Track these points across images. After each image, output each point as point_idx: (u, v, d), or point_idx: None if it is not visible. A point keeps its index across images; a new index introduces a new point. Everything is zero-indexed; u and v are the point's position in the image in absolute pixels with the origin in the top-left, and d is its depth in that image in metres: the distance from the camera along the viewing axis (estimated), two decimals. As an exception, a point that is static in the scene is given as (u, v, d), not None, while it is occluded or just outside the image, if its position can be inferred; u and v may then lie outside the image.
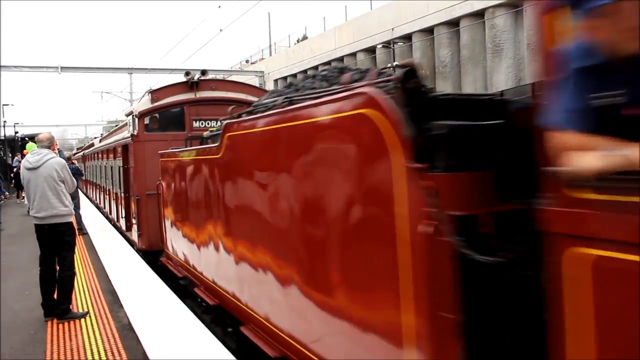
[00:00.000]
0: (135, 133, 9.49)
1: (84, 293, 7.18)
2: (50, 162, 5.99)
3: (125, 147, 10.86)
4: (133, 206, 10.19)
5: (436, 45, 28.16)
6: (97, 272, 8.56)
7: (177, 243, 7.34)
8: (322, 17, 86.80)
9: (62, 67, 30.87)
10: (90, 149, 23.69)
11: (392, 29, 29.58)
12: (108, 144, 15.13)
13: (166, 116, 9.75)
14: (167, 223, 7.87)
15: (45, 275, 6.07)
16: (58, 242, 6.05)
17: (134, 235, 10.22)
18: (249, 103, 9.35)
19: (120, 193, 11.88)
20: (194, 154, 6.21)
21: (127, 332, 5.50)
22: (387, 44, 30.73)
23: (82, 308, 6.41)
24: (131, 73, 36.05)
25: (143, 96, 10.54)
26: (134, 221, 10.25)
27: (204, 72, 9.80)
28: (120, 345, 5.13)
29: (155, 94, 9.64)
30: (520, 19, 19.31)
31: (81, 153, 28.59)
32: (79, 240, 10.46)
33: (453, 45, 26.64)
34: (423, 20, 28.07)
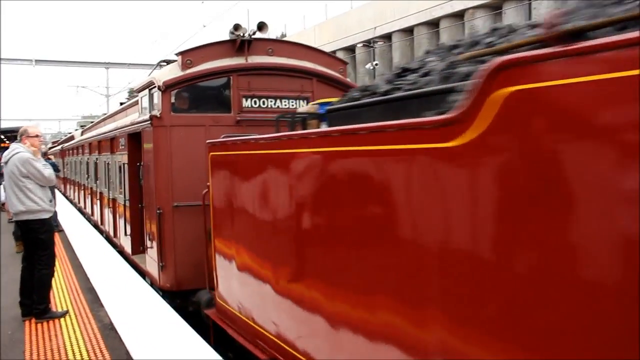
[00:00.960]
0: (158, 114, 6.39)
1: (62, 292, 7.02)
2: (13, 159, 5.81)
3: (134, 137, 7.91)
4: (149, 223, 7.05)
5: (415, 45, 28.35)
6: (75, 269, 8.39)
7: (258, 299, 4.27)
8: (302, 15, 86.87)
9: (36, 60, 30.26)
10: (72, 142, 20.27)
11: (375, 28, 29.71)
12: (102, 133, 11.79)
13: (204, 90, 6.83)
14: (227, 258, 4.88)
15: (25, 273, 5.91)
16: (32, 240, 5.89)
17: (151, 266, 7.06)
18: (320, 76, 6.88)
19: (124, 201, 8.86)
20: (319, 141, 3.34)
21: (108, 331, 5.38)
22: (368, 43, 30.84)
23: (62, 307, 6.26)
24: (108, 68, 35.56)
25: (158, 65, 7.79)
26: (150, 244, 7.13)
27: (261, 27, 6.63)
28: (102, 345, 5.01)
29: (187, 56, 6.52)
30: (499, 21, 19.55)
31: (59, 147, 26.62)
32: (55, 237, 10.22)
33: (433, 45, 26.86)
34: (403, 20, 28.25)
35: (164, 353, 4.64)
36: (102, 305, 6.27)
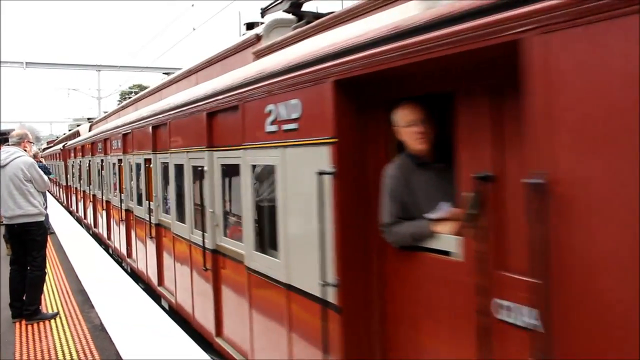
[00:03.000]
0: None
1: (53, 294, 7.05)
2: (16, 162, 5.85)
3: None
4: None
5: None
6: (66, 272, 8.41)
7: None
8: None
9: (27, 63, 30.17)
10: (86, 136, 13.87)
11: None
12: (176, 108, 5.47)
13: None
14: None
15: (15, 275, 5.95)
16: (27, 242, 5.93)
17: None
18: None
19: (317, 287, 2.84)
20: None
21: (99, 332, 5.43)
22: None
23: (52, 309, 6.30)
24: (99, 70, 35.47)
25: None
26: None
27: None
28: (92, 345, 5.06)
29: None
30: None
31: (58, 146, 21.72)
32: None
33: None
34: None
35: (153, 353, 4.71)
36: (92, 307, 6.31)
